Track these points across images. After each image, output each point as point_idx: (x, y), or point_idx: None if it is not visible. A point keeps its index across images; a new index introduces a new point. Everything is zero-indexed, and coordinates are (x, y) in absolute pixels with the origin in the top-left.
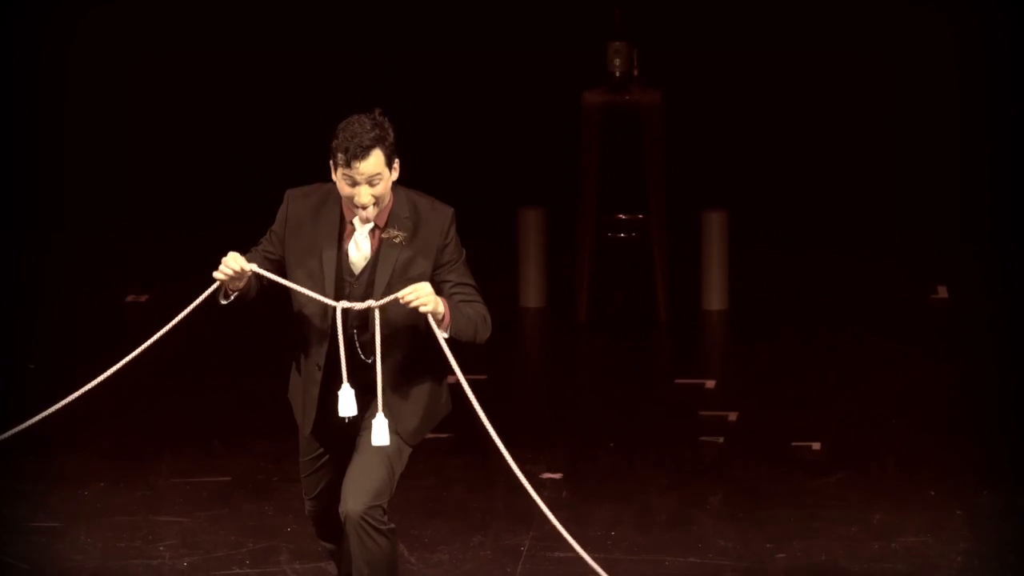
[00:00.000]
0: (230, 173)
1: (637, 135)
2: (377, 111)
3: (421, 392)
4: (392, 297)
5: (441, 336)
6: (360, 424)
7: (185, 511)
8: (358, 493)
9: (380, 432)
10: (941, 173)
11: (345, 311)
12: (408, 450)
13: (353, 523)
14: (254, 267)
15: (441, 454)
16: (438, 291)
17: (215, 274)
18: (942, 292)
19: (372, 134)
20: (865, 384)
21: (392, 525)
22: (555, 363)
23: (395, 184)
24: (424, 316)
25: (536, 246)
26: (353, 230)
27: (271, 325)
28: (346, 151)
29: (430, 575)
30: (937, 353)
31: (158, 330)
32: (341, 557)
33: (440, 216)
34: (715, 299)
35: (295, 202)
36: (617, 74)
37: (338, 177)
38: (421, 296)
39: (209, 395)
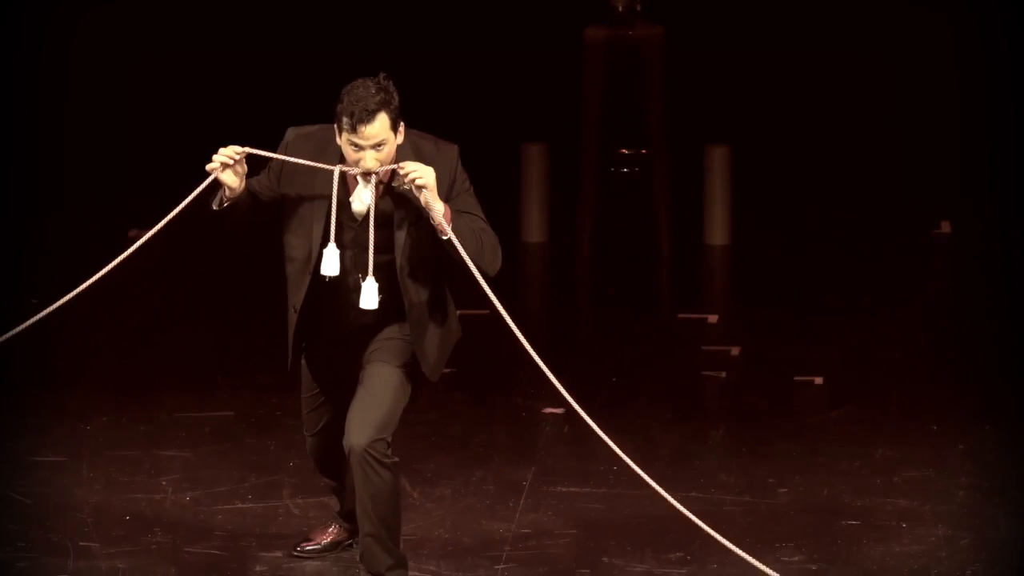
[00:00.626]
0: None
1: (639, 70)
2: (382, 75)
3: (438, 324)
4: (392, 167)
5: (440, 219)
6: (362, 358)
7: (188, 446)
8: (362, 426)
9: (369, 295)
10: (940, 168)
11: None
12: (411, 384)
13: (357, 456)
14: (248, 149)
15: (443, 388)
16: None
17: (210, 165)
18: (945, 227)
19: (377, 98)
20: (868, 319)
21: (396, 459)
22: (557, 298)
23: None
24: (436, 241)
25: (538, 181)
26: (356, 183)
27: (275, 259)
28: (351, 115)
29: (432, 509)
30: (940, 287)
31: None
32: (343, 492)
33: (445, 157)
34: (717, 234)
35: (295, 142)
36: (620, 9)
37: (343, 142)
38: (418, 169)
39: (213, 330)
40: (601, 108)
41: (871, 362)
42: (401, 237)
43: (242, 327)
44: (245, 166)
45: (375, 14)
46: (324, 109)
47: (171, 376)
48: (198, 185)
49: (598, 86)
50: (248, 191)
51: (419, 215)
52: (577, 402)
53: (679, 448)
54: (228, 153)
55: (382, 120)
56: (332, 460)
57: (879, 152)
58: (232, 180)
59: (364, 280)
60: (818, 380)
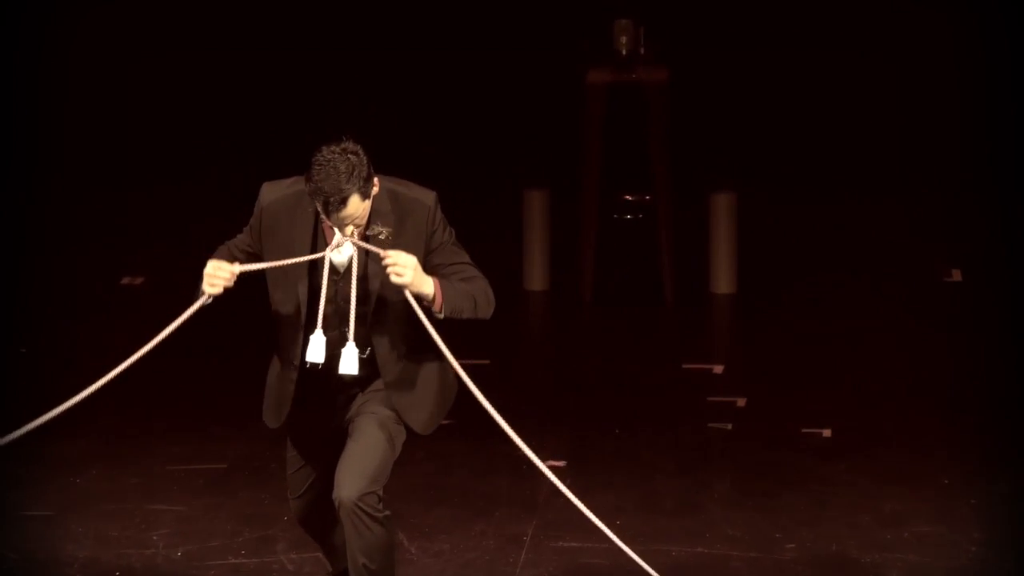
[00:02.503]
0: (229, 173)
1: (643, 114)
2: (347, 140)
3: (428, 379)
4: (374, 248)
5: (422, 314)
6: (349, 411)
7: (180, 499)
8: (352, 479)
9: (348, 360)
10: (942, 165)
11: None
12: (403, 435)
13: (347, 510)
14: (239, 268)
15: (442, 439)
16: (431, 275)
17: (207, 290)
18: (956, 275)
19: (344, 179)
20: (876, 368)
21: (388, 512)
22: (559, 347)
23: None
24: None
25: (540, 228)
26: (333, 234)
27: (267, 306)
28: (324, 205)
29: (430, 565)
30: (949, 336)
31: (152, 317)
32: (334, 554)
33: (423, 204)
34: (723, 282)
35: (269, 195)
36: (623, 52)
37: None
38: (400, 263)
39: (206, 379)
40: (603, 153)
41: (880, 412)
42: (375, 288)
43: (236, 376)
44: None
45: (374, 16)
46: (324, 109)
47: (164, 426)
48: (197, 187)
49: (599, 131)
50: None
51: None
52: (579, 453)
53: (683, 500)
54: (223, 278)
55: (354, 201)
56: (320, 523)
57: (886, 200)
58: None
59: (345, 344)
60: (826, 432)
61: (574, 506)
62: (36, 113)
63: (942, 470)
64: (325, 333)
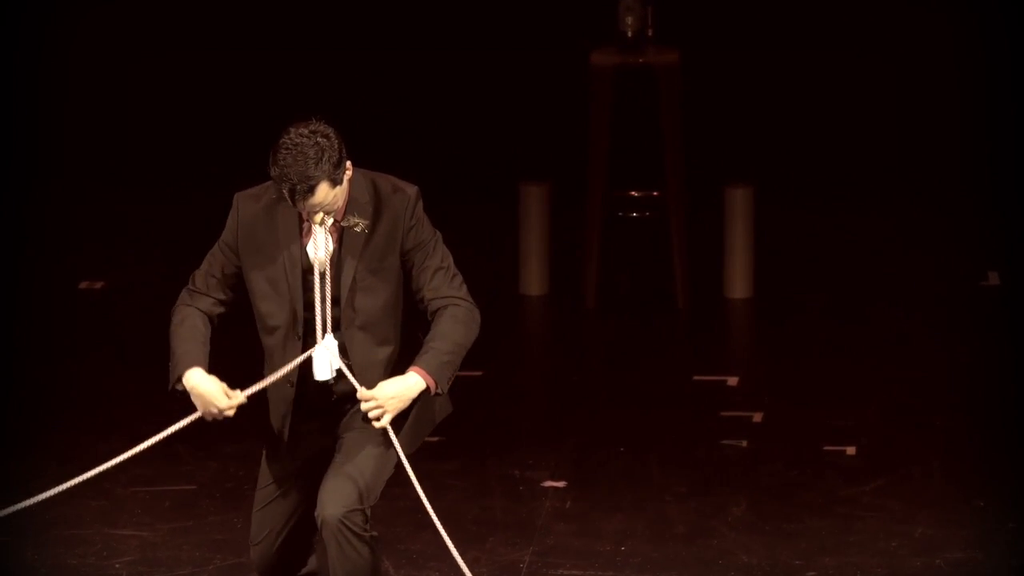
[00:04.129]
0: (229, 172)
1: (652, 101)
2: (318, 122)
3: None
4: (354, 410)
5: (400, 446)
6: (335, 431)
7: (145, 523)
8: (338, 494)
9: (321, 365)
10: (943, 164)
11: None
12: (396, 456)
13: (332, 529)
14: (242, 396)
15: (432, 458)
16: (408, 278)
17: (205, 415)
18: (993, 279)
19: (315, 171)
20: (905, 381)
21: (375, 532)
22: (560, 358)
23: (353, 174)
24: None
25: (539, 226)
26: (311, 228)
27: (241, 320)
28: (290, 192)
29: None
30: (985, 345)
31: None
32: None
33: (403, 195)
34: (738, 286)
35: (245, 205)
36: (629, 33)
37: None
38: (375, 406)
39: (173, 394)
40: (609, 144)
41: (909, 429)
42: (348, 284)
43: None
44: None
45: (373, 15)
46: (324, 110)
47: (126, 445)
48: (196, 189)
49: (606, 118)
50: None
51: (378, 263)
52: (580, 472)
53: (695, 525)
54: (226, 412)
55: (323, 189)
56: (283, 572)
57: (921, 183)
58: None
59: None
60: (850, 450)
61: (573, 532)
62: (36, 113)
63: (977, 492)
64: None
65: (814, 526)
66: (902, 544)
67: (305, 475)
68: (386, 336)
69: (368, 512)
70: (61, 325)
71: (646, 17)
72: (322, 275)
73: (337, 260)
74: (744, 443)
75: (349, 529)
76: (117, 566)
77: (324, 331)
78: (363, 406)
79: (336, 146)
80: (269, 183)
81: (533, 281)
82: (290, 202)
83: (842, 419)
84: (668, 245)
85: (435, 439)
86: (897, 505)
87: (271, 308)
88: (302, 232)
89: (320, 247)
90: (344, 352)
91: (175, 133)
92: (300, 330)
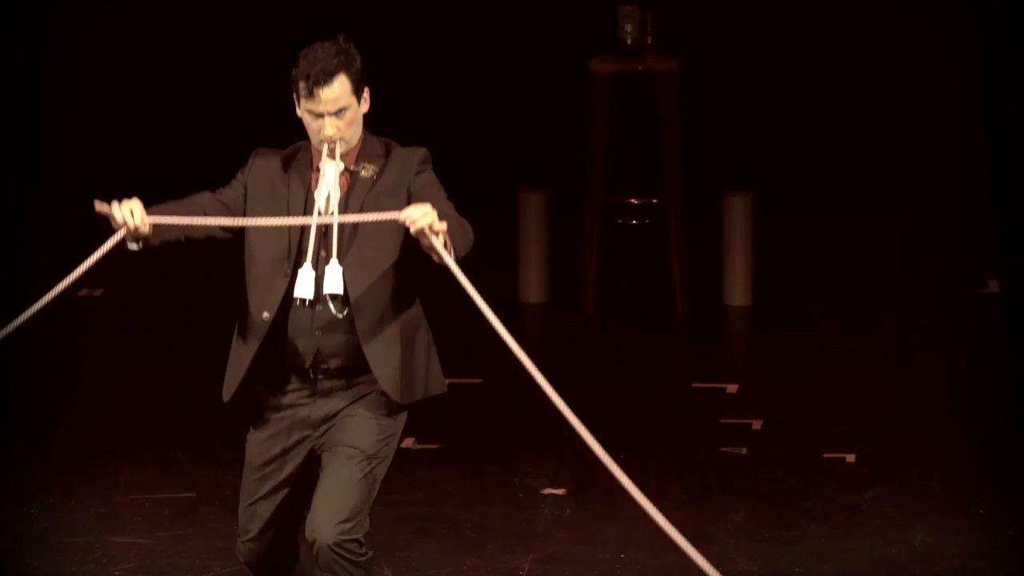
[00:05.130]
0: (228, 172)
1: (651, 108)
2: (342, 36)
3: (407, 346)
4: (388, 216)
5: (451, 262)
6: (326, 412)
7: (144, 530)
8: (330, 519)
9: (333, 278)
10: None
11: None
12: (384, 470)
13: (326, 556)
14: (147, 218)
15: (431, 466)
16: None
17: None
18: (992, 286)
19: (336, 60)
20: (905, 388)
21: (371, 554)
22: (559, 365)
23: (366, 130)
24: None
25: (538, 233)
26: (320, 176)
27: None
28: (307, 78)
29: None
30: (984, 353)
31: (114, 327)
32: None
33: (414, 150)
34: (738, 293)
35: (262, 155)
36: (628, 40)
37: (302, 111)
38: (415, 214)
39: (171, 399)
40: (608, 151)
41: (909, 436)
42: (358, 234)
43: (203, 398)
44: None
45: (372, 17)
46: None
47: (125, 451)
48: (196, 188)
49: (604, 126)
50: (170, 226)
51: (384, 202)
52: (580, 480)
53: (694, 532)
54: (124, 219)
55: (342, 83)
56: (276, 568)
57: (920, 190)
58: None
59: (328, 263)
60: (849, 457)
61: (573, 539)
62: (36, 113)
63: (977, 498)
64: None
65: (813, 533)
66: (902, 551)
67: (294, 469)
68: (391, 288)
69: (362, 536)
70: (61, 332)
71: (645, 24)
72: (322, 213)
73: (344, 207)
74: (744, 450)
75: (344, 557)
76: (116, 574)
77: (316, 257)
78: (403, 216)
79: (360, 62)
80: (292, 145)
81: (532, 288)
82: (307, 95)
83: (841, 426)
84: (667, 252)
85: (435, 446)
86: (897, 512)
87: (264, 240)
88: (312, 182)
89: (330, 191)
90: (350, 293)
91: (175, 134)
92: (289, 267)
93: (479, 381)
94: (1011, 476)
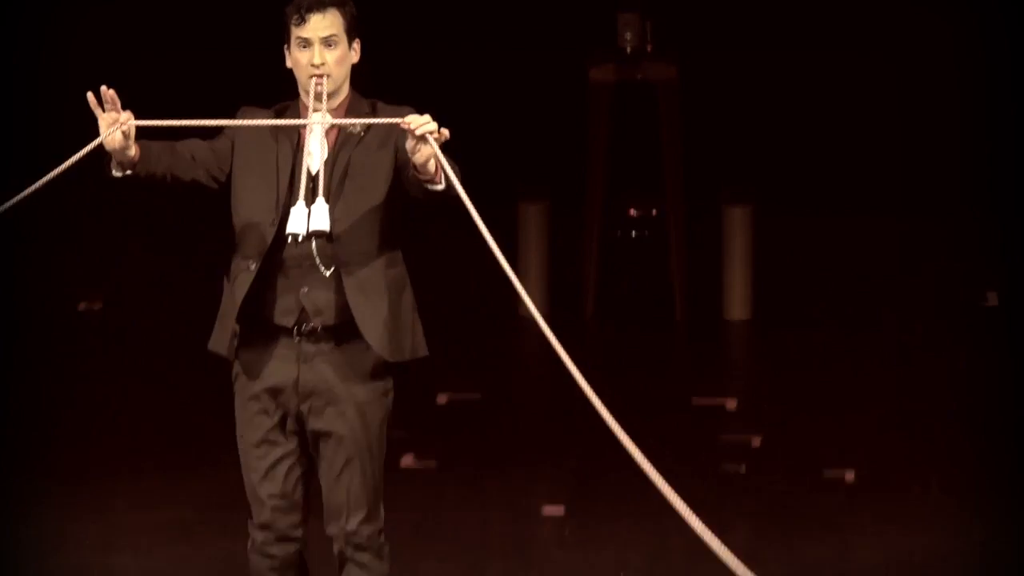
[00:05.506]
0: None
1: (651, 117)
2: None
3: (394, 302)
4: (390, 120)
5: (450, 172)
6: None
7: (144, 549)
8: (348, 512)
9: (319, 215)
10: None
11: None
12: (383, 443)
13: (347, 551)
14: (135, 122)
15: (431, 483)
16: (401, 171)
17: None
18: (992, 299)
19: None
20: (906, 404)
21: (388, 545)
22: (557, 379)
23: (355, 90)
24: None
25: (537, 245)
26: (308, 133)
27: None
28: (299, 7)
29: None
30: (985, 367)
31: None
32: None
33: (401, 108)
34: (737, 307)
35: (249, 113)
36: (628, 48)
37: (292, 47)
38: (418, 121)
39: (172, 415)
40: (607, 162)
41: (909, 454)
42: (345, 186)
43: (205, 413)
44: (131, 130)
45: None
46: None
47: (125, 467)
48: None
49: (604, 135)
50: (163, 151)
51: (372, 155)
52: (579, 498)
53: (692, 552)
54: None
55: (334, 15)
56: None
57: (919, 200)
58: (126, 149)
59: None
60: (849, 475)
61: (573, 560)
62: (36, 113)
63: (981, 517)
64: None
65: (813, 551)
66: (902, 569)
67: (294, 446)
68: (377, 242)
69: (382, 523)
70: (60, 346)
71: (645, 32)
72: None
73: (332, 163)
74: (743, 468)
75: (365, 549)
76: None
77: (307, 196)
78: (411, 121)
79: (354, 8)
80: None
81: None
82: (298, 21)
83: (841, 444)
84: (667, 263)
85: (433, 463)
86: (897, 530)
87: (251, 197)
88: (301, 136)
89: (317, 146)
90: (337, 249)
91: (174, 134)
92: (275, 219)
93: (478, 395)
94: (1012, 494)
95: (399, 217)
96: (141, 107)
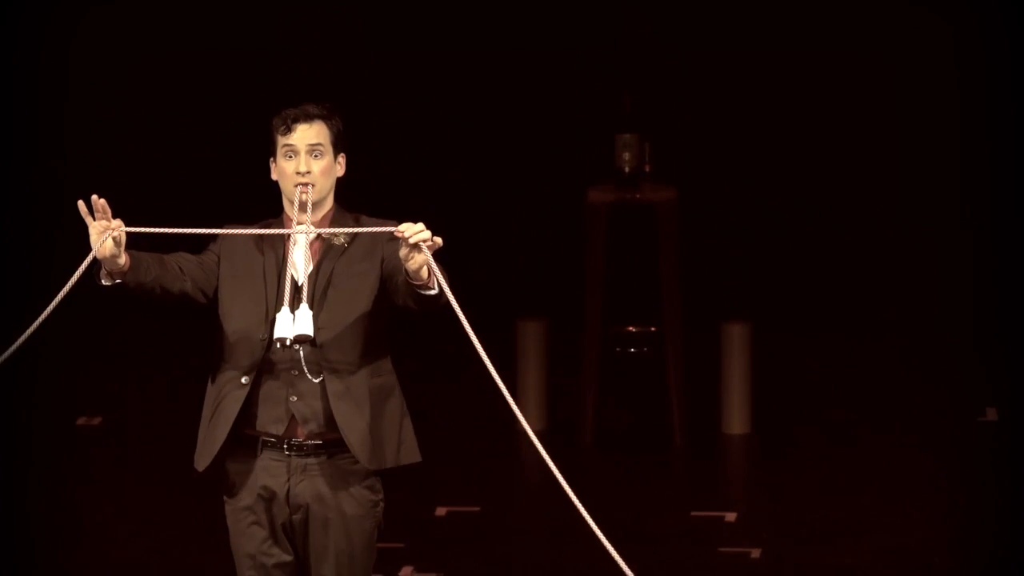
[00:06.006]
0: (229, 172)
1: (650, 237)
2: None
3: (376, 409)
4: (386, 229)
5: (441, 279)
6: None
7: None
8: None
9: (303, 320)
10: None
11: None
12: (370, 559)
13: None
14: (123, 228)
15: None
16: (387, 280)
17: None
18: (991, 415)
19: (318, 109)
20: (905, 518)
21: None
22: (557, 495)
23: (340, 203)
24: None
25: (536, 363)
26: (292, 244)
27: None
28: (286, 117)
29: None
30: (983, 484)
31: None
32: None
33: (385, 221)
34: (736, 422)
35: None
36: (627, 169)
37: (278, 158)
38: (413, 228)
39: (170, 533)
40: (606, 280)
41: (907, 568)
42: (328, 295)
43: (202, 530)
44: (122, 237)
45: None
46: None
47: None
48: (195, 189)
49: (601, 255)
50: (150, 263)
51: (356, 266)
52: None
53: None
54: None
55: (321, 127)
56: None
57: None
58: (116, 259)
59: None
60: None
61: None
62: (36, 113)
63: None
64: (280, 357)
65: None
66: None
67: (289, 558)
68: (362, 350)
69: None
70: (59, 462)
71: (644, 154)
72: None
73: (316, 273)
74: None
75: None
76: None
77: (292, 303)
78: (399, 229)
79: (341, 124)
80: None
81: (531, 417)
82: (284, 131)
83: (841, 557)
84: (665, 381)
85: (400, 545)
86: None
87: (239, 309)
88: (285, 248)
89: (303, 258)
90: (322, 357)
91: (175, 133)
92: (265, 332)
93: (477, 510)
94: None
95: (386, 327)
96: (141, 107)
